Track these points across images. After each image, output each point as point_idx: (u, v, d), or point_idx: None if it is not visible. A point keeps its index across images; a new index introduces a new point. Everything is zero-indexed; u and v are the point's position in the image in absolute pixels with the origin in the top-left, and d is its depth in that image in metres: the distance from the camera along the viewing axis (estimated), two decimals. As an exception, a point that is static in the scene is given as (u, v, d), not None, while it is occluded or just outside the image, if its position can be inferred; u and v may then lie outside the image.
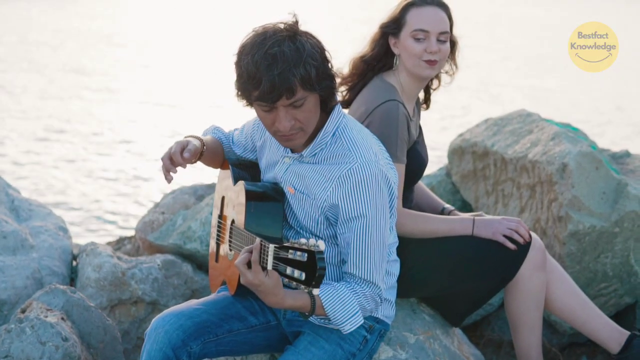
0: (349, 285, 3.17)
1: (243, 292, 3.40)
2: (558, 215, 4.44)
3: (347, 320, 3.13)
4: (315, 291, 2.72)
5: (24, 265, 4.64)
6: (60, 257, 4.86)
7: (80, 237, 8.33)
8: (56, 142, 12.54)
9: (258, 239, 2.96)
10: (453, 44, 3.87)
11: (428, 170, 4.89)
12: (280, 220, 3.32)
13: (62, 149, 12.20)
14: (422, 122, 4.02)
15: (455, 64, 3.94)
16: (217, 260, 3.69)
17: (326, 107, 3.22)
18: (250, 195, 3.33)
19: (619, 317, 4.78)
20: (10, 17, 28.02)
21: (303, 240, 2.74)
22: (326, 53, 3.13)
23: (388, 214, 3.26)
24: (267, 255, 2.88)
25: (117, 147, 12.53)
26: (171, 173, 3.30)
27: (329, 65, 3.13)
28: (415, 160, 3.80)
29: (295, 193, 3.29)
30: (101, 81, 17.67)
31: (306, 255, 2.69)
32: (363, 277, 3.19)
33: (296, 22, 3.09)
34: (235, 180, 3.55)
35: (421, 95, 4.06)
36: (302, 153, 3.25)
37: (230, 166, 3.63)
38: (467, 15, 31.79)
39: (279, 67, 2.96)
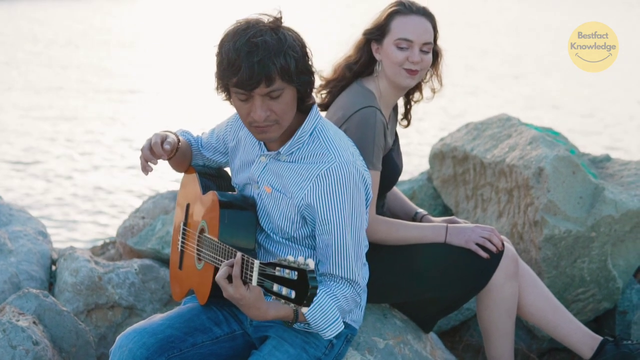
0: (327, 290, 3.16)
1: (215, 301, 3.41)
2: (534, 219, 4.43)
3: (327, 327, 3.13)
4: (305, 309, 2.69)
5: (2, 270, 4.64)
6: (38, 261, 4.85)
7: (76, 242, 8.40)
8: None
9: (239, 253, 2.96)
10: (436, 55, 3.86)
11: (409, 175, 4.89)
12: (254, 230, 3.32)
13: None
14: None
15: (439, 78, 3.92)
16: (180, 268, 3.68)
17: (302, 105, 3.22)
18: (223, 206, 3.32)
19: (599, 322, 4.76)
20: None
21: (290, 258, 2.71)
22: (307, 49, 3.14)
23: (365, 213, 3.27)
24: (251, 271, 2.88)
25: (120, 144, 12.57)
26: (150, 164, 3.32)
27: (309, 61, 3.14)
28: (389, 167, 3.79)
29: (272, 192, 3.28)
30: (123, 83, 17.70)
31: (296, 273, 2.67)
32: (344, 276, 3.19)
33: (280, 17, 3.11)
34: (204, 189, 3.54)
35: (401, 110, 4.05)
36: (279, 151, 3.24)
37: (197, 174, 3.62)
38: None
39: (259, 54, 2.98)
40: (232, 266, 3.00)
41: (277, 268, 2.73)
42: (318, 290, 3.12)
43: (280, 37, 3.03)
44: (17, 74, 18.93)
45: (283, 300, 2.71)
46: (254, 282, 2.84)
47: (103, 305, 4.64)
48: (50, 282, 4.90)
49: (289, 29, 3.11)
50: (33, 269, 4.78)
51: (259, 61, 2.98)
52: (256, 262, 2.84)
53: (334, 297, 3.16)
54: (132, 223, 5.23)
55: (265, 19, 3.08)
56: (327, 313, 3.12)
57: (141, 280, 4.73)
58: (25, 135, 13.19)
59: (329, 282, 3.21)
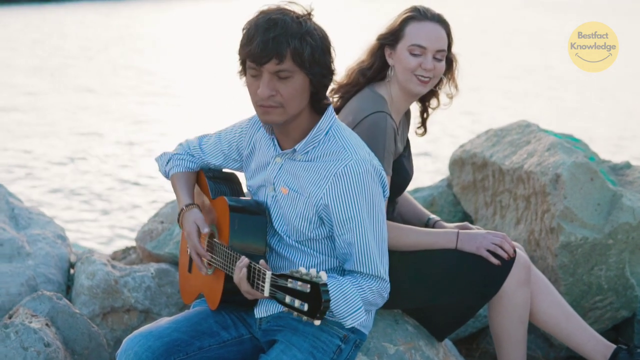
0: (354, 280, 3.15)
1: (224, 306, 3.41)
2: (550, 226, 4.39)
3: (349, 315, 3.08)
4: (317, 322, 2.70)
5: (19, 273, 4.67)
6: (56, 264, 4.89)
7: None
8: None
9: (246, 260, 3.05)
10: (451, 62, 3.83)
11: (430, 182, 4.86)
12: (264, 235, 3.31)
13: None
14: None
15: (455, 84, 3.90)
16: (190, 271, 3.68)
17: (318, 104, 3.22)
18: (233, 211, 3.32)
19: (617, 331, 4.71)
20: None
21: (303, 270, 2.72)
22: (329, 45, 3.15)
23: (384, 209, 3.25)
24: (263, 282, 2.90)
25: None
26: (205, 260, 3.37)
27: (329, 57, 3.14)
28: (399, 173, 3.77)
29: (289, 192, 3.27)
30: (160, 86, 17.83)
31: (309, 286, 2.67)
32: (369, 272, 3.17)
33: (310, 11, 3.14)
34: (215, 194, 3.54)
35: (417, 118, 4.03)
36: (295, 148, 3.23)
37: (206, 179, 3.62)
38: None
39: (276, 31, 3.02)
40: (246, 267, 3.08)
41: (290, 280, 2.74)
42: (344, 278, 3.13)
43: (302, 22, 3.07)
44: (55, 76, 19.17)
45: (295, 313, 2.72)
46: (266, 292, 2.87)
47: (119, 309, 4.65)
48: (68, 286, 4.93)
49: (316, 24, 3.14)
50: (50, 272, 4.81)
51: (273, 37, 3.01)
52: (268, 273, 2.86)
53: (359, 287, 3.14)
54: (151, 227, 5.25)
55: (296, 8, 3.12)
56: (349, 300, 3.07)
57: (157, 284, 4.74)
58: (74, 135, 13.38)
59: (356, 276, 3.20)
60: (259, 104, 3.14)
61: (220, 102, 16.47)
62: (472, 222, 5.22)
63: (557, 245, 4.34)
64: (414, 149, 4.04)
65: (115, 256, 5.78)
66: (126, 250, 5.87)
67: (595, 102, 18.55)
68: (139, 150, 12.84)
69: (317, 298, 2.66)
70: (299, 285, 2.71)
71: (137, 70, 20.77)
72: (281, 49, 3.02)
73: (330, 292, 3.02)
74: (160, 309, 4.70)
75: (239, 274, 3.10)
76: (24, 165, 11.65)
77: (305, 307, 2.68)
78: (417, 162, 4.54)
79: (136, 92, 17.92)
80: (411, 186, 4.64)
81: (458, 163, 5.32)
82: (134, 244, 5.98)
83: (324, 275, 2.70)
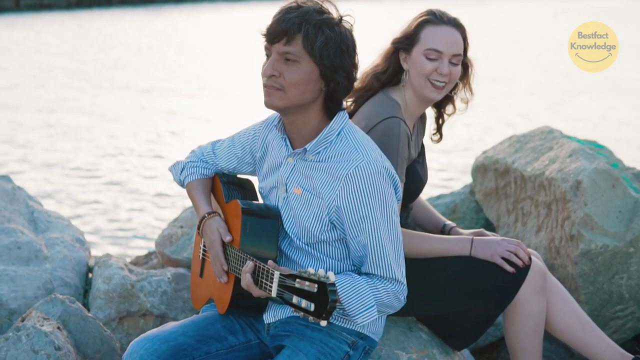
0: (370, 280, 3.11)
1: (233, 311, 3.38)
2: (570, 234, 4.31)
3: (360, 313, 3.03)
4: (324, 323, 2.66)
5: (36, 276, 4.67)
6: (74, 268, 4.88)
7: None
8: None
9: (251, 264, 3.05)
10: (467, 67, 3.78)
11: (452, 188, 4.80)
12: (276, 239, 3.27)
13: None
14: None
15: (471, 89, 3.85)
16: (201, 276, 3.65)
17: (332, 107, 3.19)
18: (246, 214, 3.29)
19: (638, 340, 4.61)
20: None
21: (311, 270, 2.69)
22: (350, 46, 3.11)
23: (397, 210, 3.21)
24: (271, 282, 2.87)
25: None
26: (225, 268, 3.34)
27: (346, 59, 3.10)
28: (413, 179, 3.71)
29: (302, 193, 3.23)
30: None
31: (316, 286, 2.64)
32: (384, 275, 3.13)
33: (344, 15, 3.12)
34: (228, 198, 3.51)
35: (433, 123, 3.97)
36: (306, 147, 3.19)
37: (220, 183, 3.59)
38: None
39: (293, 14, 3.03)
40: (252, 272, 3.05)
41: (297, 280, 2.71)
42: (359, 277, 3.10)
43: (325, 13, 3.06)
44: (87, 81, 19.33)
45: (302, 313, 2.69)
46: (274, 293, 2.84)
47: (135, 313, 4.63)
48: (86, 289, 4.92)
49: (345, 27, 3.11)
50: (68, 275, 4.80)
51: (288, 18, 3.03)
52: (276, 273, 2.83)
53: (374, 286, 3.09)
54: (171, 232, 5.23)
55: (333, 9, 3.11)
56: (362, 298, 3.03)
57: (174, 289, 4.72)
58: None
59: (373, 277, 3.15)
60: (263, 84, 3.14)
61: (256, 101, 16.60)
62: (494, 229, 5.16)
63: (577, 253, 4.26)
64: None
65: (138, 260, 5.78)
66: (148, 255, 5.87)
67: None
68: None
69: (323, 298, 2.62)
70: (306, 285, 2.67)
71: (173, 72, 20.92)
72: (292, 30, 3.02)
73: (343, 287, 3.02)
74: (176, 313, 4.67)
75: (245, 280, 3.07)
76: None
77: (312, 307, 2.65)
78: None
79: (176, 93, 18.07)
80: (435, 192, 4.59)
81: (480, 169, 5.25)
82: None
83: (332, 276, 2.65)
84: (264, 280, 2.97)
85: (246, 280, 3.07)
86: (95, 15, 35.69)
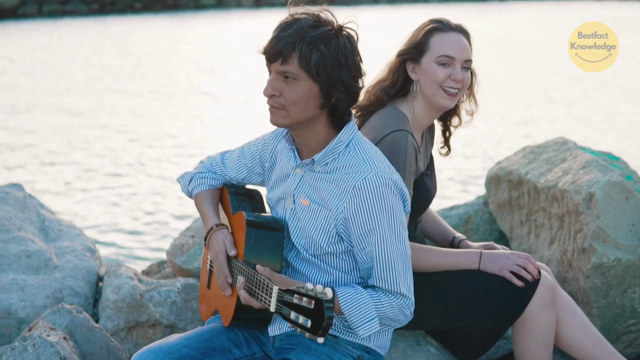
0: (374, 293, 3.09)
1: (238, 323, 3.35)
2: (582, 247, 4.26)
3: (361, 325, 3.04)
4: (320, 340, 2.65)
5: (45, 285, 4.66)
6: (84, 277, 4.86)
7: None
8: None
9: (242, 280, 3.07)
10: (472, 75, 3.75)
11: (465, 199, 4.76)
12: (281, 252, 3.25)
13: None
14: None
15: (475, 100, 3.82)
16: (209, 287, 3.63)
17: (337, 119, 3.17)
18: (250, 226, 3.27)
19: (652, 356, 4.56)
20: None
21: (309, 286, 2.68)
22: (349, 61, 3.07)
23: (405, 224, 3.18)
24: (270, 296, 2.86)
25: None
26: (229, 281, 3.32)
27: (344, 72, 3.06)
28: (421, 192, 3.68)
29: (310, 204, 3.21)
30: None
31: (314, 302, 2.64)
32: (390, 289, 3.11)
33: (343, 24, 3.10)
34: (234, 209, 3.49)
35: (439, 135, 3.94)
36: (314, 158, 3.17)
37: (228, 194, 3.57)
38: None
39: (288, 32, 3.01)
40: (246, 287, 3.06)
41: (296, 296, 2.70)
42: (362, 289, 3.09)
43: (320, 28, 3.02)
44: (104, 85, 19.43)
45: (299, 329, 2.68)
46: (272, 308, 2.83)
47: (144, 323, 4.60)
48: (96, 299, 4.90)
49: (344, 37, 3.07)
50: (77, 284, 4.79)
51: (283, 37, 3.01)
52: (275, 288, 2.82)
53: (377, 300, 3.08)
54: (182, 242, 5.20)
55: (331, 18, 3.08)
56: (363, 310, 3.04)
57: (183, 299, 4.69)
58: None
59: (378, 290, 3.13)
60: (267, 103, 3.13)
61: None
62: (507, 241, 5.11)
63: (589, 267, 4.21)
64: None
65: (151, 269, 5.76)
66: (161, 264, 5.85)
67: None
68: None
69: (320, 314, 2.61)
70: (304, 301, 2.66)
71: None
72: (286, 50, 3.00)
73: (345, 299, 3.03)
74: (185, 324, 4.65)
75: (242, 296, 3.07)
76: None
77: (309, 324, 2.64)
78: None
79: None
80: (447, 204, 4.54)
81: (494, 180, 5.20)
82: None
83: (329, 292, 2.64)
84: (263, 294, 2.95)
85: (242, 296, 3.05)
86: (117, 21, 35.84)
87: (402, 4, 43.73)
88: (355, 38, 3.13)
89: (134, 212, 10.37)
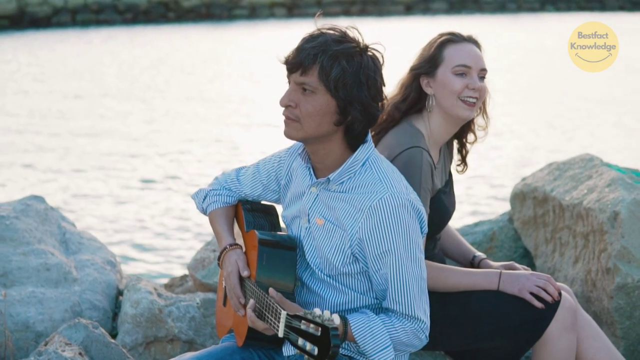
0: (387, 319, 3.05)
1: (252, 343, 3.31)
2: (606, 267, 4.18)
3: (376, 353, 3.01)
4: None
5: (64, 298, 4.64)
6: (103, 291, 4.84)
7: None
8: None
9: (252, 302, 3.07)
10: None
11: (490, 215, 4.69)
12: (294, 271, 3.21)
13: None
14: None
15: (487, 114, 3.77)
16: (224, 304, 3.59)
17: (353, 140, 3.11)
18: (263, 245, 3.23)
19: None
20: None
21: (317, 312, 2.64)
22: (370, 81, 3.02)
23: (422, 245, 3.13)
24: (278, 321, 2.83)
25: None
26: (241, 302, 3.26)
27: (364, 91, 3.02)
28: (438, 210, 3.62)
29: (325, 224, 3.16)
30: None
31: (321, 330, 2.61)
32: (404, 312, 3.07)
33: (369, 44, 3.06)
34: (248, 227, 3.45)
35: (455, 153, 3.88)
36: (329, 177, 3.13)
37: (243, 210, 3.53)
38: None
39: (312, 44, 2.99)
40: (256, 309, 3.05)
41: (303, 322, 2.67)
42: (375, 316, 3.05)
43: (344, 43, 2.99)
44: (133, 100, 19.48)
45: (306, 356, 2.65)
46: (280, 333, 2.81)
47: (162, 339, 4.57)
48: (115, 313, 4.88)
49: (369, 57, 3.03)
50: (97, 298, 4.76)
51: (305, 49, 2.99)
52: (283, 313, 2.79)
53: (391, 326, 3.04)
54: (203, 256, 5.17)
55: (359, 37, 3.05)
56: (377, 338, 3.00)
57: (202, 315, 4.65)
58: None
59: (390, 315, 3.08)
60: (282, 114, 3.10)
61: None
62: (532, 259, 5.04)
63: (613, 287, 4.13)
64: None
65: (173, 283, 5.73)
66: (183, 278, 5.82)
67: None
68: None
69: (326, 342, 2.58)
70: (311, 328, 2.63)
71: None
72: (307, 61, 2.97)
73: (358, 327, 2.99)
74: (204, 339, 4.61)
75: (249, 318, 3.06)
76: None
77: (315, 352, 2.60)
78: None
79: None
80: (472, 220, 4.47)
81: (519, 197, 5.13)
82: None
83: (336, 318, 2.61)
84: (272, 318, 2.92)
85: (249, 317, 3.03)
86: (150, 31, 36.05)
87: (435, 14, 43.60)
88: (381, 61, 3.08)
89: (161, 224, 10.38)
